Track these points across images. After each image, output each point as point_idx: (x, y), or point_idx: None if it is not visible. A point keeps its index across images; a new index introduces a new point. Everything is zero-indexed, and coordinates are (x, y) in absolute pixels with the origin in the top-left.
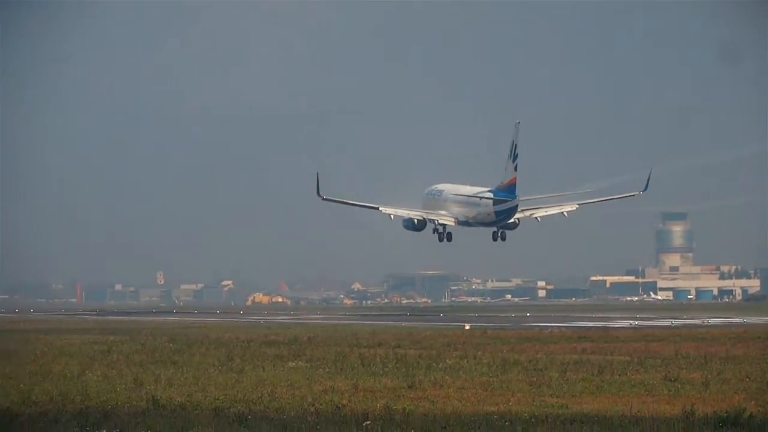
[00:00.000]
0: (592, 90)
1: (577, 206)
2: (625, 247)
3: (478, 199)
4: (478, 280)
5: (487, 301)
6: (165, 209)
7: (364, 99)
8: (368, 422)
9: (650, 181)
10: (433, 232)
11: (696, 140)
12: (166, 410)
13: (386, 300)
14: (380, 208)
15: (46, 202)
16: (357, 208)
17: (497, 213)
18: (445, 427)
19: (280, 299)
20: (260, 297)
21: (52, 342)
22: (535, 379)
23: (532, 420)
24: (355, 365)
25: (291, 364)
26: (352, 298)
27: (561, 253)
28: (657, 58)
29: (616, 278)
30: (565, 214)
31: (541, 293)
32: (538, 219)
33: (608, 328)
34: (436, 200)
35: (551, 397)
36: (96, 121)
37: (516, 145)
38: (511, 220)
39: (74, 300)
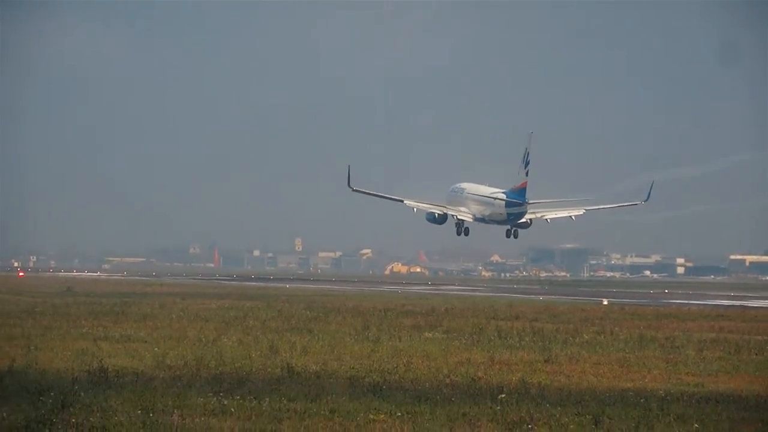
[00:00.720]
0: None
1: (585, 211)
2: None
3: (492, 199)
4: (618, 256)
5: (625, 276)
6: (305, 177)
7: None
8: (503, 395)
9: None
10: (455, 226)
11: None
12: (300, 378)
13: (525, 273)
14: (404, 201)
15: (186, 168)
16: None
17: (508, 213)
18: (580, 402)
19: (418, 269)
20: (398, 267)
21: (189, 306)
22: (671, 356)
23: (668, 398)
24: (492, 338)
25: (428, 334)
26: (491, 270)
27: (701, 230)
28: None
29: (755, 257)
30: (573, 217)
31: (680, 270)
32: (548, 220)
33: (746, 307)
34: (457, 197)
35: (687, 375)
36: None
37: (528, 153)
38: (523, 220)
39: (212, 265)
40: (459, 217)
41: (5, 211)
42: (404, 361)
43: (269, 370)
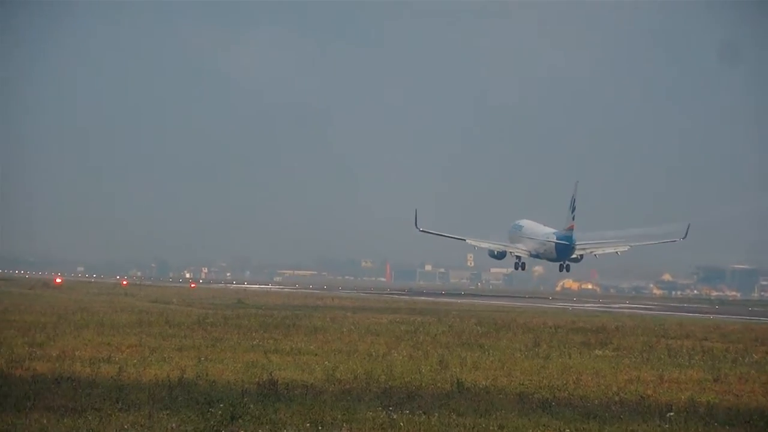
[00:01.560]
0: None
1: (629, 247)
2: None
3: (545, 240)
4: None
5: None
6: (476, 193)
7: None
8: (672, 413)
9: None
10: (514, 262)
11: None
12: (470, 393)
13: (695, 292)
14: (467, 240)
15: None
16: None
17: (557, 252)
18: (749, 422)
19: (589, 286)
20: (570, 283)
21: (360, 320)
22: None
23: None
24: (662, 356)
25: (597, 352)
26: (661, 289)
27: None
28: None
29: None
30: (618, 253)
31: None
32: (596, 256)
33: None
34: (516, 234)
35: None
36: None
37: (574, 199)
38: (573, 256)
39: (383, 279)
40: (515, 253)
41: (179, 222)
42: (573, 377)
43: (439, 384)
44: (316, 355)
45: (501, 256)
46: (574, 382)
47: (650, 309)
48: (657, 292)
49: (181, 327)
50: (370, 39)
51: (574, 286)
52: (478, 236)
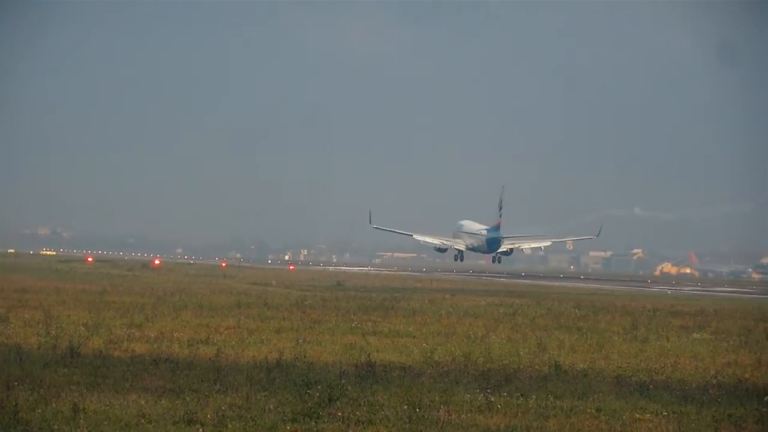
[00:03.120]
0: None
1: (551, 243)
2: None
3: (478, 234)
4: None
5: None
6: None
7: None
8: None
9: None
10: (454, 254)
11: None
12: (567, 376)
13: None
14: (414, 236)
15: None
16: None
17: (488, 245)
18: None
19: (688, 270)
20: (668, 267)
21: (459, 303)
22: None
23: None
24: (760, 339)
25: (695, 335)
26: (761, 273)
27: None
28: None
29: None
30: (542, 248)
31: None
32: (523, 250)
33: None
34: (458, 231)
35: None
36: None
37: (501, 200)
38: (503, 249)
39: (482, 262)
40: (455, 247)
41: (279, 204)
42: (671, 361)
43: (537, 367)
44: (414, 337)
45: (444, 249)
46: (671, 366)
47: (749, 293)
48: (756, 276)
49: (279, 309)
50: None
51: (673, 270)
52: (426, 232)
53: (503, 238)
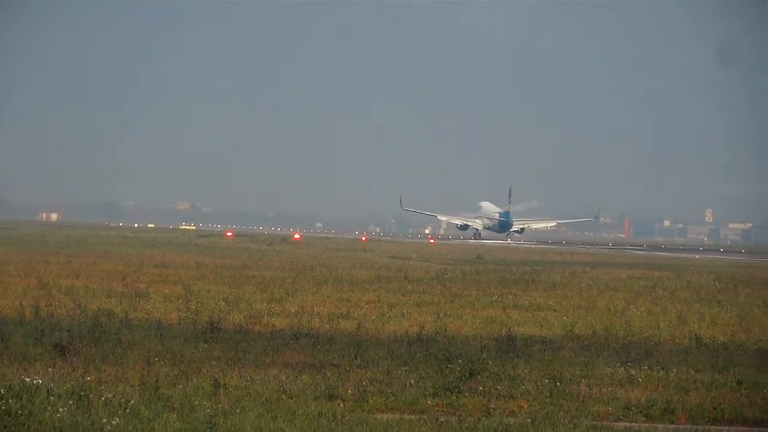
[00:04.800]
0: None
1: (556, 224)
2: None
3: (492, 216)
4: None
5: None
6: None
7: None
8: None
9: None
10: (473, 233)
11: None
12: (708, 349)
13: None
14: (438, 216)
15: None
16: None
17: (500, 226)
18: None
19: None
20: None
21: (598, 276)
22: None
23: None
24: None
25: None
26: None
27: None
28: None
29: None
30: (548, 228)
31: None
32: (533, 229)
33: None
34: (477, 212)
35: None
36: None
37: (511, 191)
38: (514, 229)
39: (622, 235)
40: (473, 226)
41: (419, 178)
42: None
43: (677, 340)
44: (554, 310)
45: (464, 228)
46: None
47: None
48: None
49: (419, 283)
50: None
51: None
52: (448, 213)
53: (513, 220)
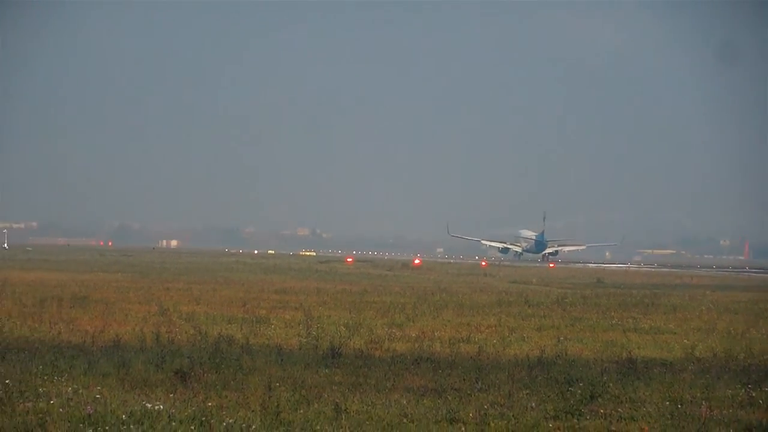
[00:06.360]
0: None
1: (585, 246)
2: None
3: (529, 239)
4: None
5: None
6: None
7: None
8: None
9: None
10: (513, 254)
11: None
12: None
13: None
14: (481, 241)
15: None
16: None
17: (536, 247)
18: None
19: None
20: None
21: (718, 299)
22: None
23: None
24: None
25: None
26: None
27: None
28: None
29: None
30: (579, 250)
31: None
32: (566, 251)
33: None
34: (517, 237)
35: None
36: None
37: (545, 216)
38: (549, 251)
39: (741, 257)
40: (513, 249)
41: (535, 202)
42: None
43: None
44: (674, 333)
45: (505, 251)
46: None
47: None
48: None
49: (540, 307)
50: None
51: None
52: (488, 238)
53: (548, 241)
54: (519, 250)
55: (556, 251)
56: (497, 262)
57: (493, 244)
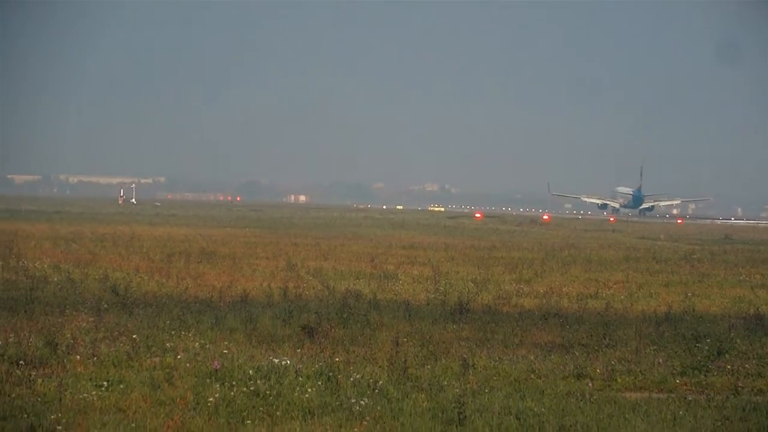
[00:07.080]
0: None
1: (680, 201)
2: None
3: (626, 194)
4: None
5: None
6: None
7: None
8: None
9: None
10: (611, 208)
11: None
12: None
13: None
14: (581, 197)
15: None
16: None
17: (633, 203)
18: None
19: None
20: None
21: None
22: None
23: None
24: None
25: None
26: None
27: None
28: None
29: None
30: (674, 205)
31: None
32: (661, 206)
33: None
34: (615, 193)
35: None
36: None
37: (642, 170)
38: (645, 206)
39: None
40: (612, 205)
41: (670, 155)
42: None
43: None
44: None
45: (604, 207)
46: None
47: None
48: None
49: (668, 263)
50: None
51: None
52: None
53: (644, 196)
54: (617, 206)
55: (652, 206)
56: (625, 218)
57: (592, 200)
